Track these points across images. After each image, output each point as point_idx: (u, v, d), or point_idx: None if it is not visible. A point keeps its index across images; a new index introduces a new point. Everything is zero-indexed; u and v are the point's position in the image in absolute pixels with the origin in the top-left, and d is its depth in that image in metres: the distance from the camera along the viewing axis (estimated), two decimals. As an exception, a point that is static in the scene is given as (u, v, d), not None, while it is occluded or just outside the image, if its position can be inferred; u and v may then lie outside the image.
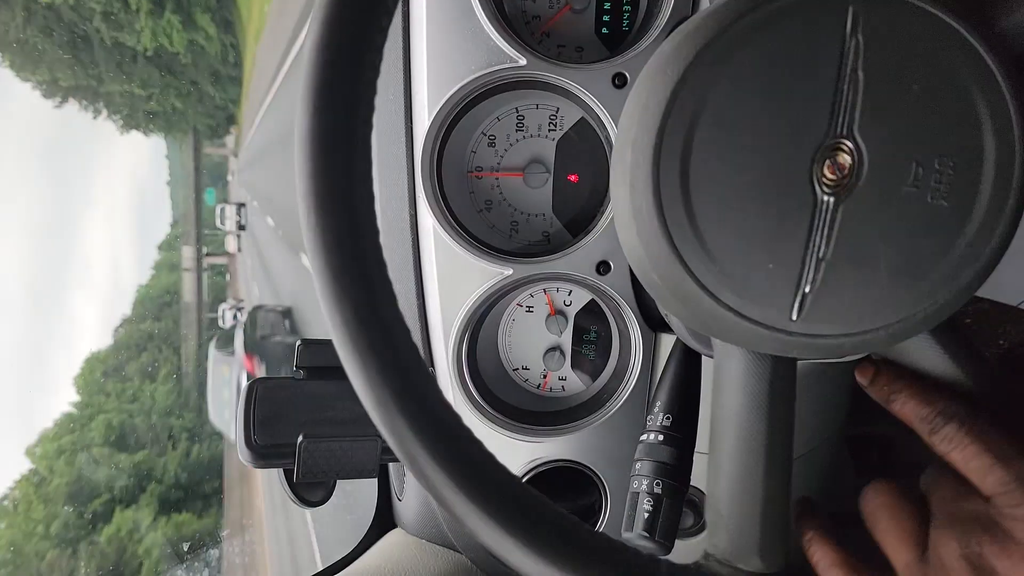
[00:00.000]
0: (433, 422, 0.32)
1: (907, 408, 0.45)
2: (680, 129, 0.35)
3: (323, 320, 0.32)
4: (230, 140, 51.58)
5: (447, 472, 0.32)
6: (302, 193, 0.31)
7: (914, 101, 0.35)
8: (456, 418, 0.32)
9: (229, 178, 46.21)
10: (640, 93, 0.38)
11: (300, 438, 0.61)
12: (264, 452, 0.61)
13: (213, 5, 35.73)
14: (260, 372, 8.85)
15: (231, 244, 28.49)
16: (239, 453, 0.61)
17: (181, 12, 34.52)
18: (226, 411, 10.50)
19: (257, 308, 10.85)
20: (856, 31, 0.35)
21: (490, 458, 0.33)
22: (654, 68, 0.37)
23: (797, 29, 0.35)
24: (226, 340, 11.52)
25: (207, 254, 41.00)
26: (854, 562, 0.47)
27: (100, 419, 40.53)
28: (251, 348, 9.54)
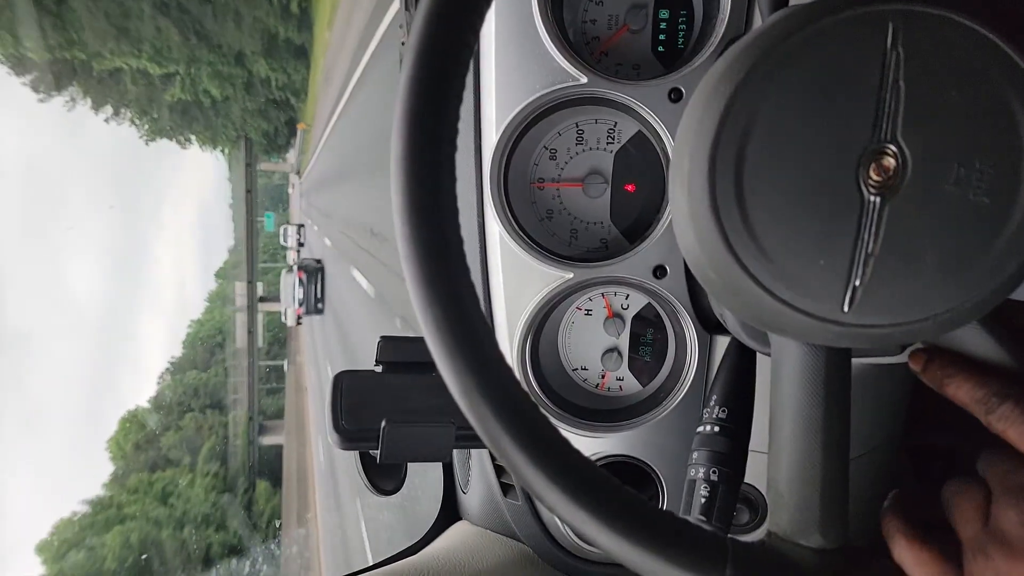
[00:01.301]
0: (515, 409, 0.36)
1: (962, 391, 0.48)
2: (733, 139, 0.39)
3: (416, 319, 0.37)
4: (291, 155, 41.16)
5: (528, 453, 0.36)
6: (397, 208, 0.36)
7: (953, 107, 0.38)
8: (535, 407, 0.37)
9: (290, 191, 41.19)
10: (696, 107, 0.42)
11: (383, 423, 0.67)
12: (351, 435, 0.67)
13: None
14: (303, 276, 20.79)
15: (291, 257, 31.07)
16: (328, 436, 0.67)
17: None
18: (288, 297, 21.77)
19: (304, 259, 25.35)
20: (896, 44, 0.38)
21: (565, 442, 0.37)
22: (709, 84, 0.41)
23: (840, 45, 0.38)
24: (288, 271, 23.49)
25: (261, 298, 34.49)
26: (922, 534, 0.51)
27: (116, 532, 30.17)
28: (300, 268, 21.39)
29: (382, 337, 0.73)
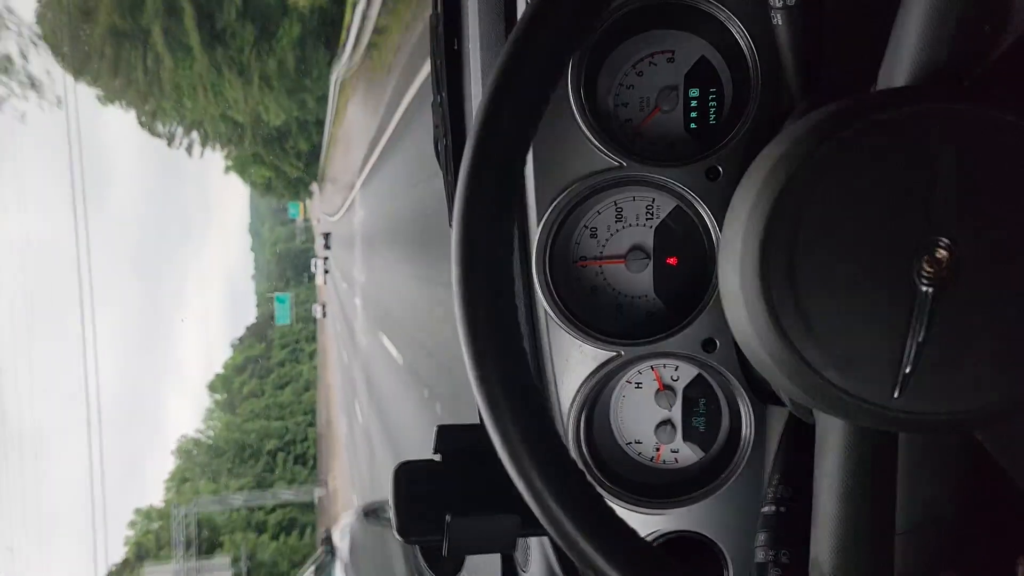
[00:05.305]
0: (582, 504, 0.38)
1: None
2: (787, 224, 0.39)
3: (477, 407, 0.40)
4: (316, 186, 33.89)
5: (602, 553, 0.37)
6: (461, 323, 0.39)
7: (1004, 200, 0.39)
8: (602, 500, 0.38)
9: (314, 223, 40.60)
10: (749, 190, 0.42)
11: (447, 517, 0.66)
12: (416, 530, 0.67)
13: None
14: (325, 238, 32.84)
15: (319, 275, 33.99)
16: (394, 532, 0.68)
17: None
18: (319, 249, 32.14)
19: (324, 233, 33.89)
20: (947, 141, 0.39)
21: (634, 533, 0.39)
22: (763, 169, 0.42)
23: (893, 140, 0.39)
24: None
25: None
26: None
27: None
28: (323, 235, 32.76)
29: (439, 426, 0.73)
